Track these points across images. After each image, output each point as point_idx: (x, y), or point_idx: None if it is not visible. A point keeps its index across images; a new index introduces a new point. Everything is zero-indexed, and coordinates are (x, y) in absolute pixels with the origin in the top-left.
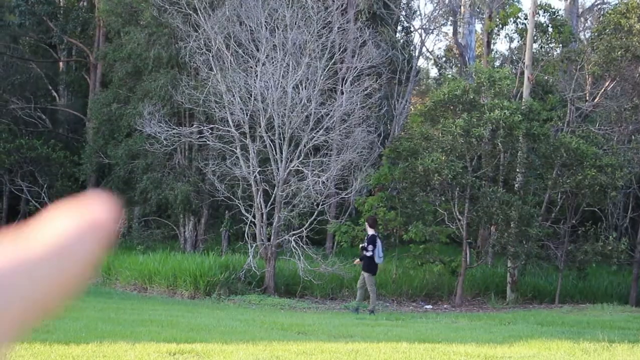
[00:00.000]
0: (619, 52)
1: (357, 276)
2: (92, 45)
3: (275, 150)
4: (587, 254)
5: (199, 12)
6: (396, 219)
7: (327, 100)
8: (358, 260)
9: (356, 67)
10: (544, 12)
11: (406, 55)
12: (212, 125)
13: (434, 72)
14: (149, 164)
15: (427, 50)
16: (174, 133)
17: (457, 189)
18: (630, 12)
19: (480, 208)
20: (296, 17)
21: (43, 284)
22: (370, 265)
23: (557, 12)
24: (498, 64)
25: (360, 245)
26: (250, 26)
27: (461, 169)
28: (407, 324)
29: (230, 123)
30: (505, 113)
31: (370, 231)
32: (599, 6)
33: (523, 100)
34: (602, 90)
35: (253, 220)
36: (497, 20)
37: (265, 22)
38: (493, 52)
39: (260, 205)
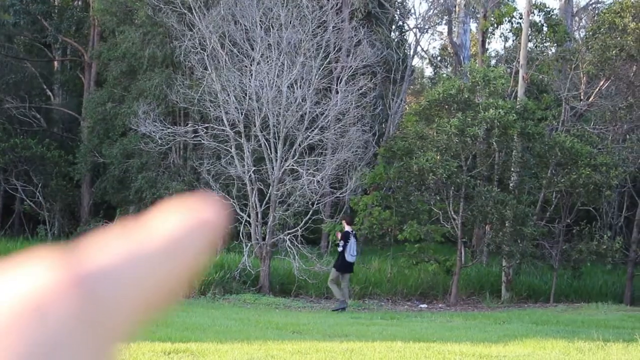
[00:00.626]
0: (614, 52)
1: (352, 275)
2: (87, 44)
3: (270, 150)
4: (582, 253)
5: (193, 11)
6: (391, 218)
7: (322, 99)
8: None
9: (351, 66)
10: (539, 12)
11: (401, 55)
12: (206, 125)
13: (428, 71)
14: (143, 163)
15: (422, 49)
16: (168, 132)
17: (452, 188)
18: (625, 11)
19: (475, 207)
20: (291, 16)
21: (155, 280)
22: (338, 261)
23: (552, 12)
24: (493, 63)
25: (336, 242)
26: (245, 25)
27: (456, 168)
28: (401, 323)
29: (225, 122)
30: (500, 112)
31: (347, 228)
32: (594, 5)
33: (518, 99)
34: (597, 89)
35: (248, 219)
36: (492, 19)
37: (260, 21)
38: (488, 52)
39: (255, 205)
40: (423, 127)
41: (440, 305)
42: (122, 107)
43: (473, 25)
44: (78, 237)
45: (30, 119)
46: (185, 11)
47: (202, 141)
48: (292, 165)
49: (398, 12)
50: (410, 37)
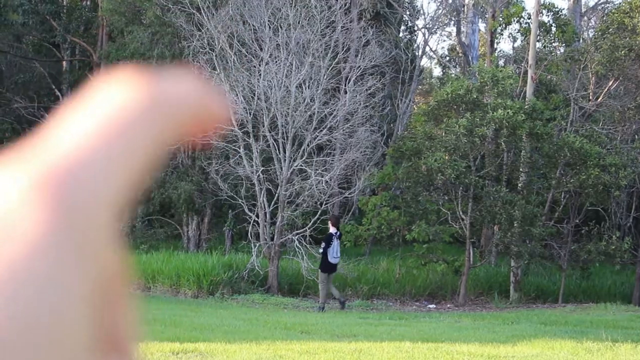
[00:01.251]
0: (623, 52)
1: (360, 275)
2: (96, 44)
3: (279, 150)
4: (591, 254)
5: (202, 11)
6: (399, 218)
7: (330, 99)
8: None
9: (359, 66)
10: (548, 12)
11: (409, 55)
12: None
13: (437, 71)
14: None
15: (431, 49)
16: None
17: (461, 188)
18: (634, 11)
19: (483, 207)
20: (299, 17)
21: (134, 153)
22: (322, 263)
23: (561, 12)
24: (501, 64)
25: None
26: (253, 25)
27: (464, 169)
28: (410, 323)
29: (234, 122)
30: (508, 112)
31: (331, 229)
32: (603, 5)
33: (526, 99)
34: (606, 89)
35: (256, 219)
36: (501, 19)
37: (269, 21)
38: (496, 52)
39: (264, 205)
40: (431, 128)
41: (448, 305)
42: None
43: (482, 26)
44: None
45: (39, 118)
46: (194, 11)
47: (210, 141)
48: (301, 166)
49: (408, 13)
50: (419, 38)
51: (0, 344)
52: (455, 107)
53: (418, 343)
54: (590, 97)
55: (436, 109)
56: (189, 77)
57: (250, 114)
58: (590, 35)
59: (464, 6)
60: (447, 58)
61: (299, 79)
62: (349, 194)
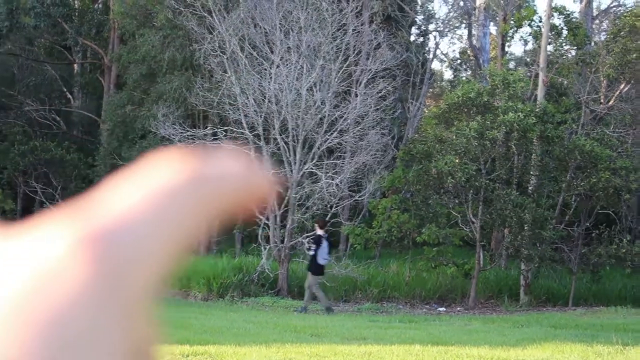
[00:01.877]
0: (634, 55)
1: (370, 278)
2: (107, 47)
3: (289, 153)
4: (601, 257)
5: (213, 14)
6: (410, 221)
7: (341, 102)
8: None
9: (370, 69)
10: (559, 15)
11: (420, 58)
12: (226, 128)
13: (448, 74)
14: None
15: (442, 52)
16: (188, 135)
17: (471, 191)
18: None
19: (493, 211)
20: (311, 20)
21: (178, 225)
22: (312, 265)
23: (572, 15)
24: (512, 67)
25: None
26: (264, 28)
27: (475, 172)
28: (420, 326)
29: (244, 125)
30: (519, 115)
31: (319, 232)
32: (614, 9)
33: (537, 102)
34: (617, 92)
35: (266, 222)
36: (512, 22)
37: (280, 24)
38: (507, 55)
39: (274, 208)
40: (442, 131)
41: (458, 308)
42: (141, 109)
43: (493, 29)
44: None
45: (50, 121)
46: (205, 14)
47: (222, 144)
48: (311, 168)
49: (420, 17)
50: (430, 41)
51: None
52: (466, 110)
53: (428, 346)
54: (602, 100)
55: (447, 112)
56: (234, 154)
57: (261, 117)
58: (602, 39)
59: (475, 9)
60: (458, 61)
61: (309, 81)
62: (359, 197)
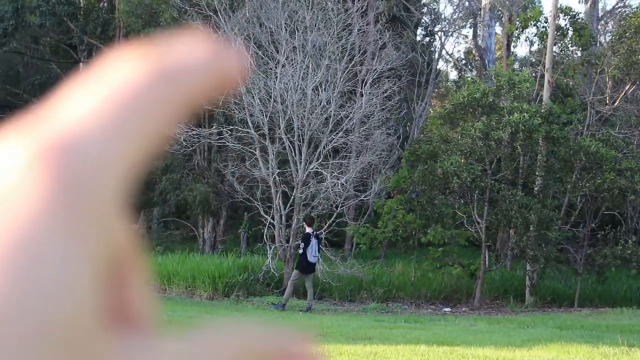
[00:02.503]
0: None
1: (375, 278)
2: (112, 46)
3: (295, 152)
4: (607, 258)
5: (219, 13)
6: (415, 221)
7: (346, 102)
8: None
9: (376, 69)
10: (565, 15)
11: (426, 58)
12: (231, 127)
13: (453, 74)
14: (168, 165)
15: (447, 52)
16: (193, 134)
17: (476, 192)
18: None
19: (499, 211)
20: (316, 19)
21: (164, 101)
22: (300, 262)
23: (578, 15)
24: (518, 67)
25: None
26: (270, 28)
27: (480, 172)
28: (425, 326)
29: (250, 124)
30: (524, 116)
31: (307, 230)
32: (620, 9)
33: (543, 103)
34: (622, 93)
35: (272, 221)
36: (518, 23)
37: (285, 24)
38: (513, 55)
39: (279, 207)
40: (447, 131)
41: (464, 309)
42: None
43: (498, 29)
44: None
45: None
46: (211, 13)
47: (227, 143)
48: (317, 168)
49: (426, 18)
50: (435, 41)
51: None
52: (471, 110)
53: (433, 346)
54: (607, 101)
55: (452, 112)
56: (196, 40)
57: (266, 116)
58: (607, 39)
59: (480, 9)
60: (464, 61)
61: (315, 81)
62: (364, 197)
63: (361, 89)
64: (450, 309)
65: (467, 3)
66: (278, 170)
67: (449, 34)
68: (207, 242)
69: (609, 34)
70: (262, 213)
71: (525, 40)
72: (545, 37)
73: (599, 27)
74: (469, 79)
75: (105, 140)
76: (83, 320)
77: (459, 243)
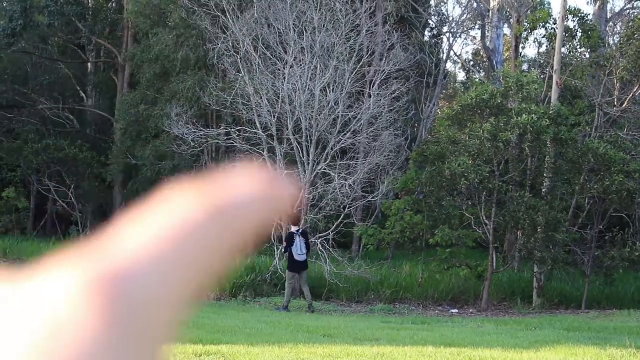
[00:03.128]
0: None
1: (383, 279)
2: (121, 46)
3: (303, 153)
4: (615, 260)
5: (227, 14)
6: (423, 222)
7: (354, 103)
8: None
9: (384, 70)
10: (573, 17)
11: (434, 59)
12: (239, 127)
13: (461, 76)
14: (176, 166)
15: (455, 54)
16: (201, 135)
17: (484, 193)
18: None
19: (507, 213)
20: (324, 20)
21: (195, 268)
22: (288, 262)
23: (587, 17)
24: (526, 69)
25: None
26: (278, 29)
27: (488, 174)
28: (433, 328)
29: (258, 125)
30: (533, 118)
31: (293, 229)
32: (629, 11)
33: (551, 105)
34: (631, 95)
35: (279, 222)
36: (526, 24)
37: (294, 24)
38: (521, 57)
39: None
40: (455, 132)
41: (471, 310)
42: (155, 109)
43: (507, 30)
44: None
45: (64, 120)
46: (219, 14)
47: (235, 144)
48: (324, 169)
49: (434, 19)
50: (444, 42)
51: None
52: (479, 111)
53: (441, 348)
54: (615, 103)
55: (460, 113)
56: (248, 173)
57: (274, 117)
58: (616, 41)
59: (489, 11)
60: (472, 63)
61: (323, 82)
62: (372, 198)
63: (369, 90)
64: (457, 311)
65: (475, 4)
66: (286, 171)
67: (458, 35)
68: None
69: (617, 35)
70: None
71: (534, 42)
72: (553, 38)
73: (608, 28)
74: (477, 80)
75: (160, 275)
76: None
77: (467, 244)
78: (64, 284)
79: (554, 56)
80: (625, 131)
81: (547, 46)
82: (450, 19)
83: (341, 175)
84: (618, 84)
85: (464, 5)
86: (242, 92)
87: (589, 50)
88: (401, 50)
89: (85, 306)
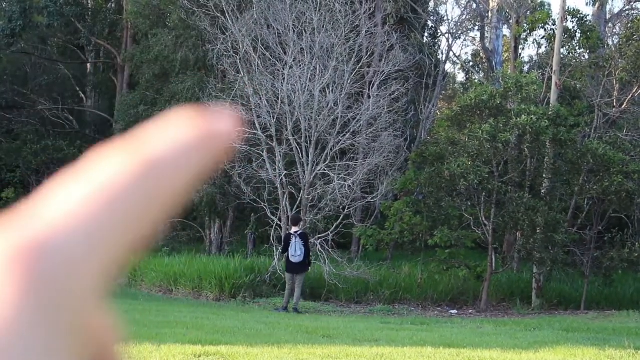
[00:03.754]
0: None
1: (382, 280)
2: (120, 47)
3: (302, 154)
4: (613, 261)
5: (226, 14)
6: (422, 223)
7: (354, 104)
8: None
9: (383, 71)
10: (572, 18)
11: (433, 60)
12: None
13: (461, 76)
14: None
15: (454, 55)
16: None
17: (483, 194)
18: None
19: (506, 213)
20: (324, 21)
21: (151, 196)
22: (285, 263)
23: (586, 18)
24: (525, 69)
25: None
26: (277, 29)
27: (487, 174)
28: (432, 328)
29: (257, 126)
30: (532, 118)
31: (292, 230)
32: (628, 12)
33: (550, 105)
34: (630, 96)
35: (279, 223)
36: (525, 25)
37: (293, 25)
38: (520, 57)
39: (286, 209)
40: (455, 133)
41: (470, 311)
42: (154, 109)
43: (506, 31)
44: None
45: (63, 120)
46: (218, 14)
47: (234, 144)
48: (324, 170)
49: (432, 18)
50: (443, 43)
51: None
52: (478, 112)
53: (440, 348)
54: (615, 104)
55: (459, 114)
56: (183, 120)
57: (273, 118)
58: (615, 42)
59: (488, 12)
60: (471, 63)
61: (322, 83)
62: (371, 199)
63: (368, 90)
64: (456, 311)
65: (474, 5)
66: (285, 172)
67: (457, 36)
68: (214, 243)
69: (616, 36)
70: (269, 214)
71: (533, 43)
72: (553, 39)
73: (607, 29)
74: (476, 81)
75: (84, 241)
76: None
77: (466, 245)
78: None
79: (553, 57)
80: (624, 132)
81: (546, 47)
82: (450, 19)
83: (340, 176)
84: (617, 85)
85: (463, 6)
86: (242, 92)
87: (588, 51)
88: (400, 51)
89: (4, 278)
